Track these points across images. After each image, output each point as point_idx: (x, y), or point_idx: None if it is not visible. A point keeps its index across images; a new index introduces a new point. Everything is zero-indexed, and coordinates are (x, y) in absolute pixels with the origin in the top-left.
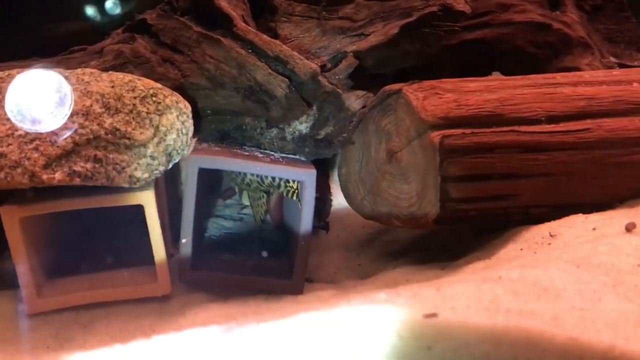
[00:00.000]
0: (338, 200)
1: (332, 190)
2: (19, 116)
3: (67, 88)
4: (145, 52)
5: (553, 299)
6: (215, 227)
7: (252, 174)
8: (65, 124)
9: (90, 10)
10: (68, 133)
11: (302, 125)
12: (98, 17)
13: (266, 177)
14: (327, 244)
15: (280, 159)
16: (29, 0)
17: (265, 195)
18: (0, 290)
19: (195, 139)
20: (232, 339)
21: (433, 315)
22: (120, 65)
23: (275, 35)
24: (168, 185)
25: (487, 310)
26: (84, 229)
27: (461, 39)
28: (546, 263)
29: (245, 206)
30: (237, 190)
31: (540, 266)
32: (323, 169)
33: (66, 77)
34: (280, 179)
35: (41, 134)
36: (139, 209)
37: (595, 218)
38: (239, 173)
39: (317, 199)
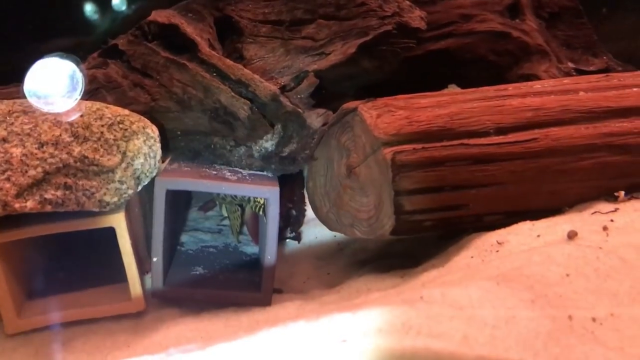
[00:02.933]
0: (311, 211)
1: (306, 201)
2: (36, 98)
3: (79, 75)
4: (117, 77)
5: (466, 319)
6: (193, 240)
7: None
8: (76, 106)
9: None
10: (78, 114)
11: (267, 143)
12: (83, 34)
13: None
14: (298, 254)
15: (247, 177)
16: (14, 19)
17: (239, 208)
18: None
19: (167, 159)
20: None
21: (343, 341)
22: (94, 90)
23: (241, 56)
24: (145, 201)
25: (398, 333)
26: (59, 249)
27: (426, 50)
28: (468, 281)
29: (225, 217)
30: (217, 203)
31: (462, 284)
32: (299, 180)
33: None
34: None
35: (12, 164)
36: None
37: (541, 225)
38: None
39: (289, 210)
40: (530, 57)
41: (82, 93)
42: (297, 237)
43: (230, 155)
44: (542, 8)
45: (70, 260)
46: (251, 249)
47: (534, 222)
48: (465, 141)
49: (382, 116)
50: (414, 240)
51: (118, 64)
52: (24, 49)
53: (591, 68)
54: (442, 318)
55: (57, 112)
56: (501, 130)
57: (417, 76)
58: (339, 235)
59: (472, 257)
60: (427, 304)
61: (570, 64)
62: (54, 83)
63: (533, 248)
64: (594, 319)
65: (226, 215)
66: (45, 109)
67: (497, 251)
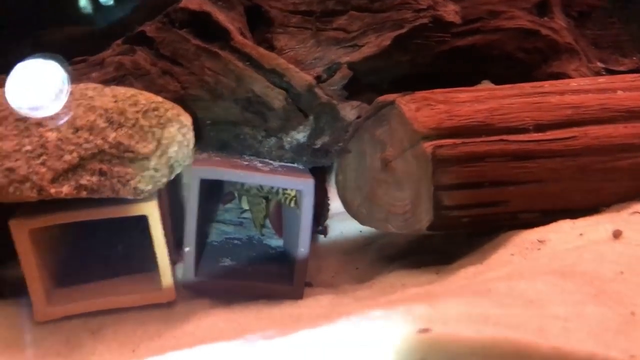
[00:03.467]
0: (335, 205)
1: (329, 195)
2: (19, 102)
3: (64, 76)
4: (145, 64)
5: (538, 311)
6: (216, 232)
7: None
8: (62, 110)
9: (84, 17)
10: (65, 119)
11: (299, 135)
12: (93, 24)
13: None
14: (325, 248)
15: (279, 168)
16: (24, 7)
17: (264, 201)
18: (8, 298)
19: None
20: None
21: (427, 330)
22: (121, 77)
23: (271, 46)
24: (170, 192)
25: (476, 324)
26: (88, 238)
27: (452, 46)
28: (533, 274)
29: (245, 210)
30: (236, 195)
31: (527, 277)
32: (321, 174)
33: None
34: (279, 187)
35: (47, 149)
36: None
37: (582, 223)
38: None
39: (315, 205)
40: (559, 56)
41: (68, 95)
42: (324, 231)
43: (260, 146)
44: (571, 7)
45: (95, 250)
46: (275, 242)
47: (574, 220)
48: (504, 137)
49: (422, 110)
50: (443, 237)
51: (145, 51)
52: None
53: (621, 68)
54: (516, 310)
55: (43, 116)
56: (540, 127)
57: (444, 72)
58: (364, 231)
59: (512, 254)
60: (498, 296)
61: (600, 64)
62: (37, 86)
63: (580, 246)
64: None
65: (246, 208)
66: (31, 114)
67: (539, 249)
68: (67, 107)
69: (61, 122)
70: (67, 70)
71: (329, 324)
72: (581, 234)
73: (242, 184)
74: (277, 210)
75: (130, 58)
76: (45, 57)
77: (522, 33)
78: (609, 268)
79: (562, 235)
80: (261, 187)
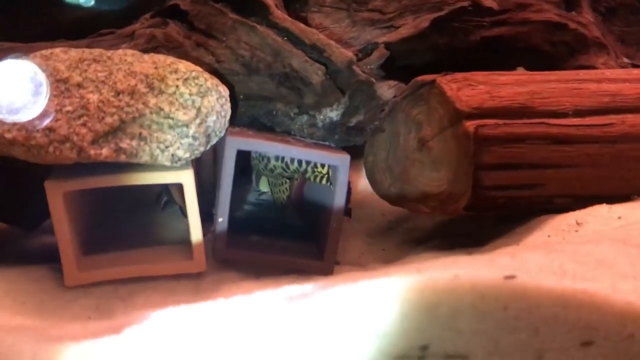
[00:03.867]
0: (357, 189)
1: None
2: None
3: (42, 76)
4: (178, 36)
5: (609, 270)
6: (239, 210)
7: (277, 160)
8: (44, 111)
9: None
10: (47, 121)
11: (332, 113)
12: (106, 5)
13: (292, 162)
14: (348, 230)
15: (312, 144)
16: None
17: (287, 181)
18: (36, 264)
19: None
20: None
21: (512, 277)
22: (152, 48)
23: (305, 24)
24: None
25: (556, 275)
26: (110, 208)
27: (480, 36)
28: (596, 239)
29: (263, 192)
30: (254, 177)
31: (592, 242)
32: None
33: (42, 64)
34: (308, 164)
35: (89, 110)
36: (161, 192)
37: (618, 208)
38: (262, 159)
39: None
40: (587, 50)
41: (47, 96)
42: (348, 213)
43: (291, 124)
44: (599, 2)
45: (121, 219)
46: (295, 221)
47: (610, 205)
48: (545, 120)
49: (463, 89)
50: (470, 221)
51: (178, 24)
52: None
53: None
54: (589, 267)
55: (23, 120)
56: (579, 113)
57: (470, 62)
58: (387, 214)
59: (549, 236)
60: (569, 254)
61: (626, 60)
62: (13, 89)
63: (623, 226)
64: None
65: (265, 190)
66: (9, 119)
67: (576, 231)
68: (47, 109)
69: (44, 124)
70: (44, 71)
71: (399, 272)
72: (619, 217)
73: (266, 164)
74: (299, 190)
75: (162, 30)
76: (22, 57)
77: (550, 26)
78: None
79: (600, 219)
80: (287, 166)
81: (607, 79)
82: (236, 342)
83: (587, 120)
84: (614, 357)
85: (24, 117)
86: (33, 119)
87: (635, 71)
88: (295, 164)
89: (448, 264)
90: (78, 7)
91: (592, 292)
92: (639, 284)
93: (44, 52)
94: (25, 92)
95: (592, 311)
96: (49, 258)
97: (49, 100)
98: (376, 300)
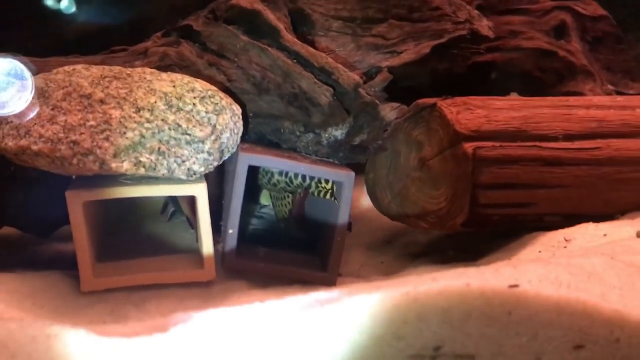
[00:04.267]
0: (357, 204)
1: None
2: None
3: (27, 74)
4: (190, 55)
5: (598, 281)
6: (248, 223)
7: (280, 175)
8: (29, 107)
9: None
10: (31, 115)
11: (337, 132)
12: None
13: (295, 177)
14: (349, 243)
15: (318, 161)
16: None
17: (290, 195)
18: (49, 270)
19: None
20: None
21: (516, 285)
22: (165, 66)
23: (312, 47)
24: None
25: (553, 285)
26: (121, 218)
27: (474, 61)
28: (587, 254)
29: (264, 206)
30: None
31: (583, 255)
32: None
33: (28, 66)
34: (312, 180)
35: (111, 125)
36: (167, 203)
37: (604, 226)
38: (265, 173)
39: None
40: (575, 77)
41: (33, 93)
42: (349, 227)
43: (297, 141)
44: (586, 32)
45: (131, 229)
46: (297, 234)
47: (597, 223)
48: (537, 143)
49: (462, 113)
50: (465, 237)
51: (190, 44)
52: None
53: (630, 91)
54: (581, 278)
55: (7, 114)
56: (569, 137)
57: (466, 85)
58: (385, 229)
59: (539, 251)
60: (563, 266)
61: (611, 86)
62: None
63: (608, 243)
64: None
65: (265, 203)
66: None
67: (565, 247)
68: (32, 104)
69: (28, 118)
70: (30, 68)
71: (418, 280)
72: (605, 234)
73: (270, 179)
74: (300, 204)
75: (175, 49)
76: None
77: (540, 53)
78: None
79: (587, 236)
80: (290, 181)
81: (595, 106)
82: (273, 343)
83: (576, 144)
84: None
85: (9, 111)
86: (19, 113)
87: (620, 98)
88: (299, 179)
89: (459, 273)
90: (79, 22)
91: (584, 300)
92: (624, 294)
93: (66, 68)
94: (12, 88)
95: (583, 317)
96: (62, 264)
97: (34, 96)
98: (395, 305)
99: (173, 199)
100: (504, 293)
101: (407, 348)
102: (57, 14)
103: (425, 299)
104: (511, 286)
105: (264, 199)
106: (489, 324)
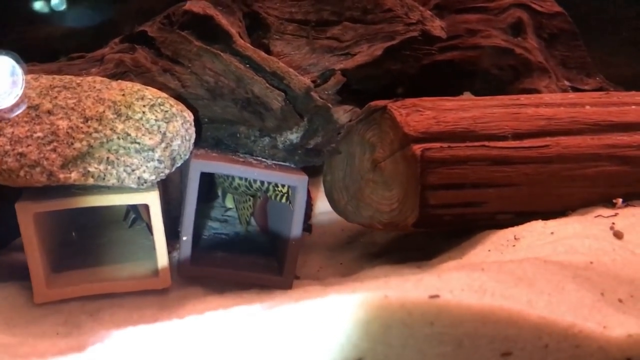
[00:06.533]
0: (318, 206)
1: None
2: None
3: (19, 70)
4: (145, 62)
5: (527, 286)
6: (204, 227)
7: (241, 179)
8: (17, 102)
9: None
10: (19, 110)
11: (293, 135)
12: (74, 22)
13: (254, 181)
14: (309, 244)
15: (273, 165)
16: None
17: (251, 198)
18: (6, 281)
19: None
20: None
21: (436, 296)
22: (121, 73)
23: (267, 51)
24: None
25: (477, 293)
26: (79, 226)
27: (433, 60)
28: (519, 258)
29: (229, 208)
30: (220, 193)
31: (515, 261)
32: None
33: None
34: (269, 184)
35: (58, 136)
36: (128, 210)
37: (552, 224)
38: (227, 177)
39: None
40: (531, 73)
41: (23, 89)
42: (309, 228)
43: (253, 145)
44: (543, 29)
45: (89, 237)
46: (259, 237)
47: (545, 221)
48: (486, 143)
49: (412, 115)
50: (423, 236)
51: (145, 50)
52: None
53: (586, 87)
54: (508, 284)
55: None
56: (518, 136)
57: (424, 84)
58: (346, 229)
59: (489, 250)
60: (492, 272)
61: (567, 82)
62: None
63: (553, 241)
64: (620, 300)
65: (231, 206)
66: None
67: (514, 246)
68: (22, 98)
69: (16, 113)
70: (21, 65)
71: (338, 292)
72: (552, 233)
73: (231, 182)
74: (262, 207)
75: (131, 56)
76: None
77: (498, 51)
78: (580, 259)
79: (535, 234)
80: (250, 185)
81: (545, 103)
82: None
83: (525, 143)
84: None
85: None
86: (7, 108)
87: (572, 95)
88: (258, 182)
89: (380, 284)
90: (48, 24)
91: (509, 308)
92: (552, 299)
93: None
94: (2, 83)
95: (509, 325)
96: (19, 275)
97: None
98: (315, 319)
99: (133, 206)
100: (424, 303)
101: None
102: (21, 17)
103: (344, 311)
104: (432, 296)
105: (229, 202)
106: (410, 334)
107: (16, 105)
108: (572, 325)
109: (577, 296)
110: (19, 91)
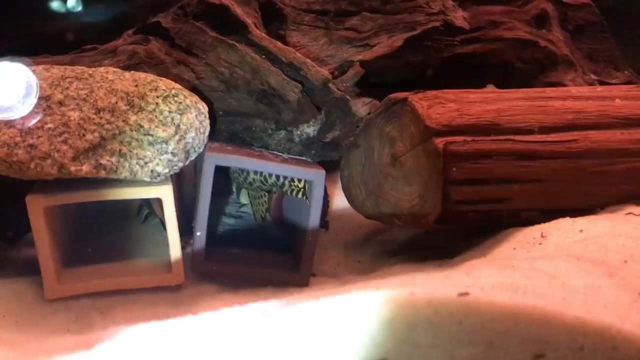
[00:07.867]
0: (335, 202)
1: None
2: None
3: (32, 78)
4: (159, 53)
5: (560, 285)
6: (218, 223)
7: (256, 173)
8: (33, 111)
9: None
10: (34, 120)
11: (309, 129)
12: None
13: (270, 176)
14: (326, 241)
15: (289, 160)
16: None
17: (266, 194)
18: (17, 276)
19: None
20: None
21: (466, 294)
22: (134, 65)
23: (284, 42)
24: (176, 182)
25: (508, 291)
26: (92, 221)
27: (454, 52)
28: (551, 256)
29: (244, 204)
30: (234, 189)
31: (546, 258)
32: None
33: (33, 71)
34: (285, 179)
35: (70, 127)
36: (142, 205)
37: (581, 221)
38: (242, 172)
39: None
40: (556, 67)
41: (37, 97)
42: (326, 225)
43: (269, 139)
44: (568, 21)
45: (101, 232)
46: (275, 234)
47: (574, 219)
48: (511, 137)
49: (433, 107)
50: (442, 234)
51: (159, 41)
52: None
53: (613, 81)
54: (541, 282)
55: (12, 119)
56: (544, 130)
57: (444, 77)
58: (364, 226)
59: (514, 248)
60: (523, 270)
61: (593, 76)
62: (5, 89)
63: (583, 239)
64: None
65: (245, 202)
66: (0, 116)
67: (541, 244)
68: (36, 109)
69: (30, 124)
70: (34, 73)
71: (360, 289)
72: (581, 230)
73: (245, 177)
74: (277, 203)
75: (144, 47)
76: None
77: (521, 43)
78: (614, 257)
79: (563, 232)
80: (265, 180)
81: (572, 97)
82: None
83: (552, 137)
84: None
85: (14, 115)
86: (22, 118)
87: (600, 88)
88: (273, 177)
89: (405, 281)
90: (62, 19)
91: (542, 307)
92: (588, 298)
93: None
94: (16, 92)
95: (542, 325)
96: (30, 271)
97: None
98: (336, 316)
99: (146, 201)
100: (452, 301)
101: None
102: (35, 12)
103: (367, 310)
104: (461, 294)
105: (243, 197)
106: (438, 334)
107: (32, 115)
108: (610, 327)
109: (613, 296)
110: (33, 100)
